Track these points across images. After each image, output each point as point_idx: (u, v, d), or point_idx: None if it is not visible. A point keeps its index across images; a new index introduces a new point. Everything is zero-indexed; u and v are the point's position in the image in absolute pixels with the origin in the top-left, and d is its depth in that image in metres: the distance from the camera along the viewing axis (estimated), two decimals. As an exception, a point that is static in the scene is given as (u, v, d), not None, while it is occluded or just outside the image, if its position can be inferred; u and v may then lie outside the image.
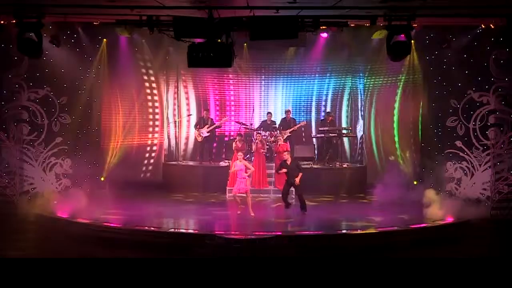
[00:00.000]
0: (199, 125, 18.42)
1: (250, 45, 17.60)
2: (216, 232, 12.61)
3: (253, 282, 8.28)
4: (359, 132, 19.23)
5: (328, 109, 19.51)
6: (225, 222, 13.96)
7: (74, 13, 13.58)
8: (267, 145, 17.20)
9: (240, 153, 14.51)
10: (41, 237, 13.04)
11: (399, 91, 17.35)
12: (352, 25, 14.34)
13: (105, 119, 16.85)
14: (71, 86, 15.69)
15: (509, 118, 15.09)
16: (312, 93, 19.72)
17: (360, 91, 19.23)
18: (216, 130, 18.85)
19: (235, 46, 12.59)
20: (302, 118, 19.43)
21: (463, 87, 15.35)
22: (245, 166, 14.18)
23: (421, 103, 16.27)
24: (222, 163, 17.94)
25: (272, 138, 17.65)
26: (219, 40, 12.39)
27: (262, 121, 18.84)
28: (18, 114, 15.36)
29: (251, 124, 18.75)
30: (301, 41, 16.61)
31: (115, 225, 13.12)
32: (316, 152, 19.04)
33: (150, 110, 18.71)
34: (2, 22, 14.34)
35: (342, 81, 19.52)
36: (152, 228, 12.88)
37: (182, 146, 19.68)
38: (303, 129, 19.11)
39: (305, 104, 19.80)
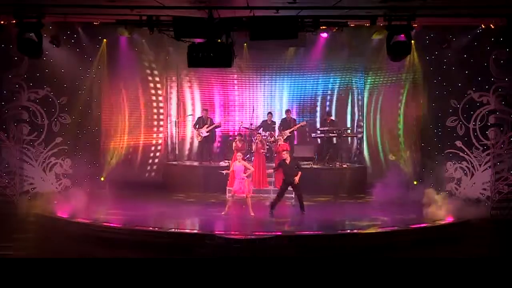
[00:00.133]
0: (198, 125, 18.42)
1: (250, 45, 17.59)
2: (216, 232, 12.62)
3: (253, 282, 8.28)
4: (359, 132, 19.23)
5: (328, 109, 19.51)
6: (225, 222, 13.96)
7: (74, 13, 13.58)
8: (267, 145, 17.20)
9: (239, 154, 14.50)
10: (41, 237, 13.05)
11: (399, 91, 17.34)
12: (352, 25, 14.34)
13: (105, 119, 16.85)
14: (71, 86, 15.69)
15: (509, 118, 15.08)
16: (312, 93, 19.70)
17: (360, 91, 19.23)
18: (220, 129, 18.85)
19: (235, 46, 12.59)
20: (302, 118, 19.43)
21: (463, 87, 15.34)
22: (244, 166, 14.18)
23: (421, 103, 16.26)
24: (222, 163, 17.93)
25: (272, 138, 17.65)
26: (219, 40, 12.39)
27: (262, 121, 18.84)
28: (18, 114, 15.34)
29: (251, 124, 18.75)
30: (301, 41, 16.59)
31: (115, 225, 13.14)
32: (316, 152, 19.00)
33: (150, 110, 18.70)
34: (2, 22, 14.33)
35: (342, 81, 19.50)
36: (152, 228, 12.89)
37: (182, 146, 19.67)
38: (307, 129, 19.10)
39: (305, 104, 19.79)
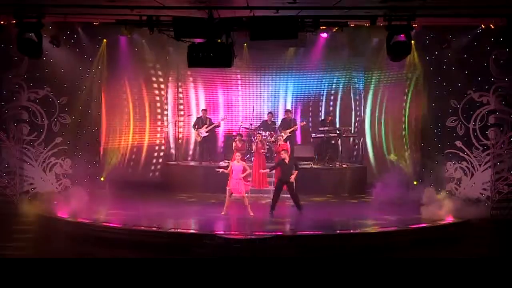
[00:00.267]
0: (198, 125, 18.42)
1: (250, 45, 17.60)
2: (216, 232, 12.62)
3: (253, 282, 8.28)
4: (359, 132, 19.22)
5: (328, 109, 19.51)
6: (225, 222, 13.96)
7: (74, 13, 13.58)
8: (267, 145, 17.20)
9: (238, 154, 14.50)
10: (41, 237, 13.05)
11: (399, 91, 17.33)
12: (352, 25, 14.33)
13: (105, 119, 16.83)
14: (71, 86, 15.68)
15: (509, 118, 15.07)
16: (312, 93, 19.71)
17: (360, 91, 19.23)
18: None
19: (235, 46, 12.59)
20: (302, 118, 19.44)
21: (463, 87, 15.34)
22: (243, 167, 14.18)
23: (421, 103, 16.25)
24: (222, 163, 17.93)
25: (272, 138, 17.66)
26: (219, 40, 12.39)
27: (262, 121, 18.84)
28: (18, 114, 15.34)
29: (251, 124, 18.76)
30: (301, 41, 16.61)
31: (115, 225, 13.14)
32: (316, 152, 18.99)
33: (150, 110, 18.69)
34: (2, 22, 14.32)
35: (342, 81, 19.51)
36: (152, 228, 12.90)
37: (182, 146, 19.67)
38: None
39: (305, 104, 19.80)
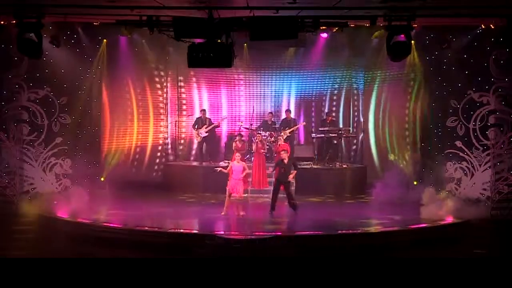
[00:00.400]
0: (197, 125, 18.42)
1: (250, 45, 17.59)
2: (216, 232, 12.62)
3: (253, 282, 8.28)
4: (359, 132, 19.22)
5: (328, 109, 19.51)
6: (225, 222, 13.96)
7: (74, 13, 13.58)
8: (267, 145, 17.20)
9: (238, 154, 14.49)
10: (41, 237, 13.04)
11: (399, 91, 17.32)
12: (352, 25, 14.34)
13: (105, 119, 16.83)
14: (71, 86, 15.67)
15: (509, 118, 15.07)
16: (312, 93, 19.72)
17: (360, 91, 19.24)
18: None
19: (235, 46, 12.59)
20: (302, 118, 19.45)
21: (463, 87, 15.34)
22: (243, 167, 14.17)
23: (421, 103, 16.25)
24: (222, 163, 17.93)
25: (272, 138, 17.65)
26: (219, 40, 12.39)
27: (263, 121, 18.85)
28: (18, 114, 15.33)
29: (251, 124, 18.75)
30: (301, 41, 16.61)
31: (115, 225, 13.14)
32: (316, 152, 18.99)
33: (150, 110, 18.69)
34: (2, 22, 14.34)
35: (342, 81, 19.52)
36: (152, 228, 12.89)
37: (182, 146, 19.67)
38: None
39: (305, 104, 19.81)
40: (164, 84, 19.19)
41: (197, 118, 18.68)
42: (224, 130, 19.53)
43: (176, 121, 19.38)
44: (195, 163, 18.78)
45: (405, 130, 17.24)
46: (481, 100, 15.25)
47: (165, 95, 19.19)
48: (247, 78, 19.73)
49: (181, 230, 13.12)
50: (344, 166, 18.25)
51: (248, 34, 12.58)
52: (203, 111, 18.71)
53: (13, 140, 15.25)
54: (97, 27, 15.13)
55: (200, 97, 19.78)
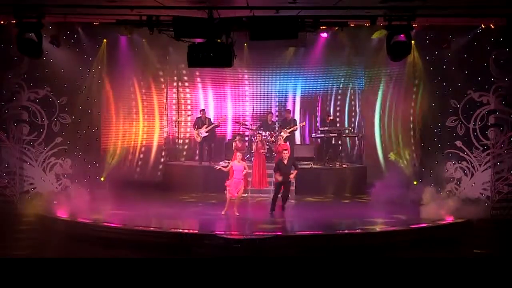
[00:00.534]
0: (197, 125, 18.42)
1: (250, 45, 17.59)
2: (216, 232, 12.62)
3: (253, 282, 8.28)
4: (359, 132, 19.22)
5: (328, 109, 19.51)
6: (225, 222, 13.96)
7: (74, 13, 13.57)
8: (267, 145, 17.20)
9: (239, 154, 14.49)
10: (41, 237, 13.04)
11: (399, 91, 17.32)
12: (352, 25, 14.33)
13: (105, 119, 16.83)
14: (71, 86, 15.66)
15: (509, 118, 15.07)
16: (312, 93, 19.72)
17: (360, 91, 19.23)
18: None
19: (235, 46, 12.59)
20: (302, 118, 19.45)
21: (463, 87, 15.34)
22: (244, 167, 14.16)
23: (421, 103, 16.24)
24: (222, 163, 17.91)
25: (272, 138, 17.66)
26: (219, 40, 12.39)
27: (262, 121, 18.85)
28: (18, 114, 15.33)
29: (251, 124, 18.75)
30: (301, 41, 16.63)
31: (115, 225, 13.14)
32: (316, 152, 18.98)
33: (150, 110, 18.69)
34: (2, 22, 14.34)
35: (342, 81, 19.52)
36: (152, 228, 12.89)
37: (182, 146, 19.67)
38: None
39: (305, 104, 19.80)
40: (164, 83, 19.17)
41: (197, 118, 18.68)
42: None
43: (176, 121, 19.37)
44: (195, 163, 18.77)
45: (405, 130, 17.20)
46: (481, 100, 15.25)
47: (165, 95, 19.17)
48: (247, 78, 19.74)
49: (181, 230, 13.12)
50: (344, 166, 18.25)
51: (248, 34, 12.57)
52: (202, 111, 18.70)
53: (13, 140, 15.25)
54: (97, 27, 15.11)
55: (200, 97, 19.77)
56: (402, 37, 12.83)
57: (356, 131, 19.30)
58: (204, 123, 18.35)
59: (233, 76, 19.64)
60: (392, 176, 16.01)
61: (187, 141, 19.74)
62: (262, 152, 16.52)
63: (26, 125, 15.39)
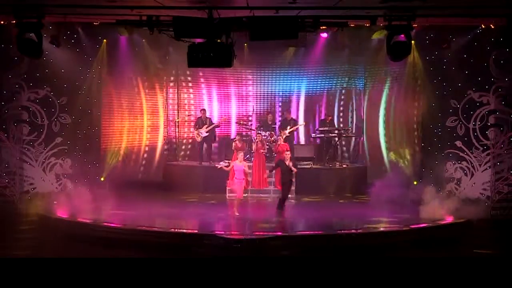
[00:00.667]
0: (198, 125, 18.41)
1: (250, 45, 17.58)
2: (216, 232, 12.61)
3: (253, 282, 8.28)
4: (359, 132, 19.21)
5: (328, 109, 19.50)
6: (225, 222, 13.96)
7: (74, 13, 13.58)
8: (267, 145, 17.20)
9: (241, 154, 14.47)
10: (41, 237, 13.04)
11: (399, 91, 17.31)
12: (352, 25, 14.33)
13: (105, 119, 16.83)
14: (71, 86, 15.67)
15: (509, 118, 15.08)
16: (312, 93, 19.71)
17: (360, 91, 19.23)
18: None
19: (235, 46, 12.58)
20: (302, 118, 19.46)
21: (463, 87, 15.35)
22: (245, 167, 14.15)
23: (421, 103, 16.24)
24: (222, 163, 17.91)
25: (272, 138, 17.65)
26: (219, 40, 12.38)
27: (262, 121, 18.84)
28: (18, 114, 15.34)
29: (251, 124, 18.75)
30: (301, 41, 16.60)
31: (115, 225, 13.13)
32: (315, 152, 18.96)
33: (150, 110, 18.69)
34: (2, 22, 14.35)
35: (342, 81, 19.50)
36: (152, 228, 12.88)
37: (182, 146, 19.66)
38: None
39: (305, 104, 19.79)
40: (164, 84, 19.16)
41: (197, 118, 18.68)
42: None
43: (176, 121, 19.37)
44: (195, 163, 18.76)
45: (405, 129, 17.20)
46: (481, 100, 15.26)
47: (165, 95, 19.17)
48: (247, 78, 19.72)
49: (181, 230, 13.11)
50: (344, 166, 18.24)
51: (248, 34, 12.57)
52: (203, 110, 18.69)
53: (13, 140, 15.25)
54: (97, 27, 15.12)
55: (200, 97, 19.76)
56: (402, 37, 12.84)
57: (355, 131, 19.27)
58: (205, 123, 18.34)
59: (233, 76, 19.62)
60: (392, 176, 16.00)
61: (187, 141, 19.69)
62: (262, 152, 16.52)
63: (26, 125, 15.40)
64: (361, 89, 19.20)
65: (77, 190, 14.91)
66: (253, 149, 16.68)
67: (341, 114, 19.65)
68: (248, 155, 17.22)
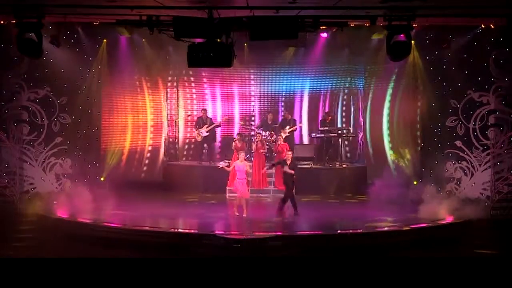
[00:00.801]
0: (198, 125, 18.41)
1: (250, 45, 17.58)
2: (216, 232, 12.62)
3: (253, 282, 8.29)
4: (359, 132, 19.21)
5: (328, 109, 19.50)
6: (225, 222, 13.96)
7: (74, 13, 13.58)
8: (267, 145, 17.20)
9: (242, 153, 14.46)
10: (41, 237, 13.04)
11: (398, 91, 17.32)
12: (352, 25, 14.33)
13: (105, 119, 16.84)
14: (71, 86, 15.67)
15: (509, 118, 15.09)
16: (312, 93, 19.70)
17: (360, 91, 19.23)
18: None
19: (235, 46, 12.58)
20: (303, 118, 19.46)
21: (463, 87, 15.35)
22: (246, 167, 14.14)
23: (421, 103, 16.24)
24: (222, 163, 17.92)
25: (272, 138, 17.65)
26: (219, 40, 12.38)
27: (262, 121, 18.85)
28: (18, 114, 15.34)
29: (251, 124, 18.75)
30: (301, 41, 16.60)
31: (115, 225, 13.14)
32: (315, 152, 18.96)
33: (150, 110, 18.69)
34: (2, 22, 14.35)
35: (342, 81, 19.50)
36: (152, 228, 12.89)
37: (182, 146, 19.66)
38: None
39: (305, 104, 19.80)
40: (164, 83, 19.16)
41: (198, 118, 18.68)
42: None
43: (175, 120, 19.37)
44: (195, 163, 18.76)
45: (405, 129, 17.19)
46: (481, 100, 15.27)
47: (165, 95, 19.16)
48: (247, 78, 19.71)
49: (181, 230, 13.12)
50: (344, 166, 18.25)
51: (248, 34, 12.57)
52: (204, 110, 18.70)
53: (13, 140, 15.25)
54: (97, 27, 15.12)
55: (200, 97, 19.76)
56: (402, 37, 12.84)
57: (355, 131, 19.26)
58: (205, 123, 18.34)
59: (233, 76, 19.61)
60: (392, 176, 15.99)
61: (187, 141, 19.70)
62: (262, 152, 16.52)
63: (26, 125, 15.40)
64: (361, 88, 19.19)
65: (77, 190, 14.90)
66: (253, 149, 16.68)
67: (341, 114, 19.62)
68: (248, 155, 17.23)
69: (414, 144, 16.76)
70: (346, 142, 19.23)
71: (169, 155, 19.22)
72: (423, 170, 16.15)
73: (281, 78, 19.61)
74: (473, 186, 15.41)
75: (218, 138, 19.37)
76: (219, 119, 19.09)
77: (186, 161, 19.34)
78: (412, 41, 13.35)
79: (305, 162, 17.76)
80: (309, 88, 19.66)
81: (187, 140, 19.69)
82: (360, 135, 19.22)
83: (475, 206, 14.52)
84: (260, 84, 19.73)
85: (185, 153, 19.65)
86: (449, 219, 13.79)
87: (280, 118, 19.08)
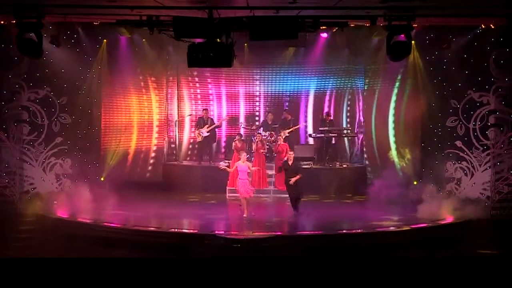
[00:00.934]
0: (199, 125, 18.41)
1: (250, 45, 17.58)
2: (216, 232, 12.62)
3: (253, 282, 8.29)
4: (359, 132, 19.21)
5: (328, 109, 19.50)
6: (225, 222, 13.96)
7: (74, 13, 13.59)
8: (267, 145, 17.20)
9: (244, 154, 14.44)
10: (41, 237, 13.04)
11: (399, 91, 17.31)
12: (352, 25, 14.33)
13: (105, 119, 16.84)
14: (71, 86, 15.67)
15: (509, 118, 15.09)
16: (312, 93, 19.71)
17: (360, 91, 19.22)
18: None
19: (235, 46, 12.58)
20: (302, 118, 19.45)
21: (463, 87, 15.35)
22: (248, 167, 14.14)
23: (421, 103, 16.23)
24: (222, 163, 17.91)
25: (272, 138, 17.65)
26: (219, 40, 12.38)
27: (262, 121, 18.85)
28: (18, 114, 15.34)
29: (251, 124, 18.74)
30: (301, 41, 16.58)
31: (115, 225, 13.14)
32: (315, 152, 18.96)
33: (150, 110, 18.70)
34: (2, 22, 14.35)
35: (342, 81, 19.50)
36: (152, 228, 12.89)
37: (182, 146, 19.66)
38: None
39: (305, 104, 19.80)
40: (164, 83, 19.17)
41: (199, 118, 18.68)
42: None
43: (175, 121, 19.37)
44: (195, 163, 18.75)
45: (409, 129, 17.18)
46: (481, 100, 15.27)
47: (165, 95, 19.17)
48: (247, 78, 19.71)
49: (181, 230, 13.12)
50: (344, 166, 18.24)
51: (248, 34, 12.57)
52: (205, 110, 18.69)
53: (13, 140, 15.26)
54: (97, 27, 15.12)
55: (200, 97, 19.76)
56: (402, 37, 12.84)
57: (356, 131, 19.26)
58: (206, 123, 18.33)
59: (233, 76, 19.62)
60: (397, 176, 16.00)
61: (192, 140, 19.68)
62: (262, 152, 16.52)
63: (26, 125, 15.40)
64: (361, 88, 19.18)
65: (77, 190, 14.90)
66: (253, 149, 16.68)
67: (341, 114, 19.62)
68: (248, 155, 17.21)
69: (414, 144, 16.74)
70: (346, 142, 19.23)
71: (169, 155, 19.21)
72: (423, 170, 16.15)
73: (281, 78, 19.61)
74: (473, 186, 15.41)
75: (224, 138, 19.39)
76: (221, 119, 19.09)
77: (186, 161, 19.32)
78: (412, 41, 13.34)
79: (305, 162, 17.75)
80: (309, 88, 19.66)
81: (187, 140, 19.67)
82: (361, 135, 19.20)
83: (475, 206, 14.53)
84: (260, 84, 19.73)
85: (189, 153, 19.59)
86: (449, 219, 13.79)
87: (282, 118, 19.09)
